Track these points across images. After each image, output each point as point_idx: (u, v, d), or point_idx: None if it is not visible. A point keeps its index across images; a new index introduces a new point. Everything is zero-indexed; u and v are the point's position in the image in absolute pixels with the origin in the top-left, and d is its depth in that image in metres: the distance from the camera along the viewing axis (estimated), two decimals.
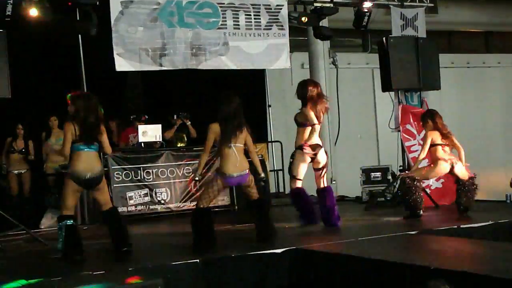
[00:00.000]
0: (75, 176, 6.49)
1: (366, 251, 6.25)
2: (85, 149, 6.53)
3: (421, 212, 8.38)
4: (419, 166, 8.69)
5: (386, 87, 10.48)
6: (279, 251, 6.40)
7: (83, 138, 6.52)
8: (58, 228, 6.53)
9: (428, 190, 9.59)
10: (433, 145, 8.49)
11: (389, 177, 10.93)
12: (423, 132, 9.82)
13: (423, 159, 8.64)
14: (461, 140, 13.30)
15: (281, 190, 12.58)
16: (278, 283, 6.31)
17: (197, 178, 7.05)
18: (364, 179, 11.07)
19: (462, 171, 8.54)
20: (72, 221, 6.52)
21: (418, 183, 8.42)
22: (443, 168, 8.48)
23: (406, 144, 10.21)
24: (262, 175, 7.21)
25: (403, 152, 10.41)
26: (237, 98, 6.94)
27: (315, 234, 7.75)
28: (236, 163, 6.81)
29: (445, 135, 8.54)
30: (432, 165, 8.63)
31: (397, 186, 9.84)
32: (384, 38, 10.47)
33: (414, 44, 10.43)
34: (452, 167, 8.47)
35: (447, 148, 8.58)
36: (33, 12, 8.65)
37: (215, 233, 6.85)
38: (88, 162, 6.53)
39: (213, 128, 6.83)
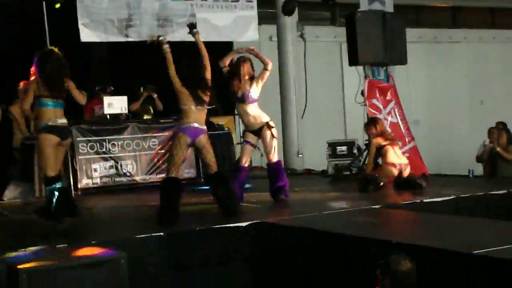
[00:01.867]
0: (48, 125, 6.42)
1: (329, 225, 6.29)
2: (51, 106, 6.46)
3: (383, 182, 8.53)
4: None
5: (353, 61, 10.49)
6: (243, 224, 6.41)
7: (51, 94, 6.45)
8: (48, 192, 6.43)
9: None
10: (380, 148, 8.64)
11: (355, 151, 10.99)
12: (389, 106, 9.96)
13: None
14: (427, 114, 13.52)
15: (255, 164, 12.60)
16: (242, 256, 6.33)
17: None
18: (330, 153, 11.12)
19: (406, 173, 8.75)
20: (61, 182, 6.45)
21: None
22: (390, 172, 8.63)
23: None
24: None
25: None
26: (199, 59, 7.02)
27: (280, 208, 7.78)
28: (194, 118, 6.86)
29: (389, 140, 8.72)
30: (380, 168, 8.79)
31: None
32: (351, 12, 10.46)
33: (382, 19, 10.44)
34: (401, 173, 8.63)
35: (397, 150, 8.76)
36: None
37: (179, 206, 6.82)
38: (56, 115, 6.50)
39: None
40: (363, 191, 8.44)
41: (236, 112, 12.27)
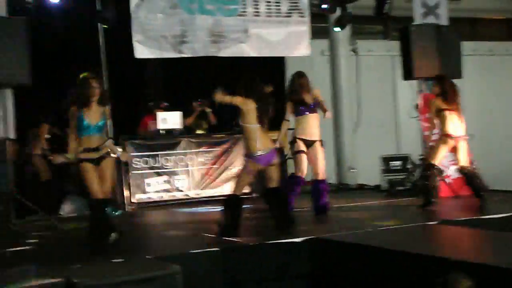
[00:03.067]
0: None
1: (385, 241, 6.20)
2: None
3: (433, 200, 8.22)
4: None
5: (407, 76, 10.37)
6: (298, 240, 6.37)
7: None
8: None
9: (448, 180, 9.51)
10: (439, 110, 8.20)
11: (409, 166, 10.85)
12: None
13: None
14: (481, 129, 13.22)
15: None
16: (298, 272, 6.29)
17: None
18: (384, 168, 11.00)
19: (462, 155, 8.30)
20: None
21: (434, 170, 8.28)
22: (447, 144, 8.22)
23: (425, 133, 10.10)
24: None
25: (423, 141, 10.32)
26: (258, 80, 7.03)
27: (334, 222, 7.72)
28: (262, 141, 6.79)
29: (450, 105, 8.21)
30: (437, 142, 8.33)
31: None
32: (405, 26, 10.36)
33: (436, 32, 10.30)
34: (456, 146, 8.20)
35: (457, 118, 8.24)
36: None
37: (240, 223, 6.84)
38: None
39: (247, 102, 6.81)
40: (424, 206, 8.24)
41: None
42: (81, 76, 6.59)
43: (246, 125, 6.82)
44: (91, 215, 6.48)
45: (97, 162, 6.44)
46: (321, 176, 8.00)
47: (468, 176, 8.30)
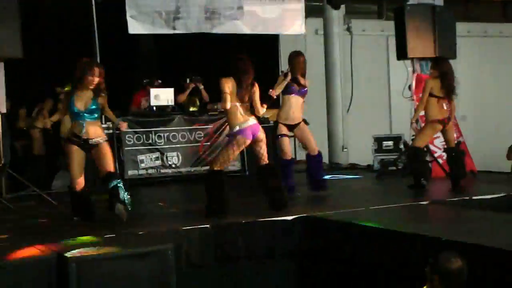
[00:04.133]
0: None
1: (376, 220, 6.23)
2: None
3: (425, 182, 8.20)
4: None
5: (401, 55, 10.35)
6: (289, 218, 6.40)
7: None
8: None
9: (440, 160, 9.54)
10: (431, 95, 8.13)
11: (401, 146, 10.87)
12: None
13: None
14: (475, 110, 13.26)
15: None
16: (288, 250, 6.32)
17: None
18: (376, 148, 11.02)
19: (451, 134, 8.32)
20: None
21: (422, 151, 8.30)
22: (435, 129, 8.22)
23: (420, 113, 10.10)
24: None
25: (416, 121, 10.32)
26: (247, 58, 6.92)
27: (326, 202, 7.74)
28: (243, 116, 6.77)
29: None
30: (423, 126, 8.39)
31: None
32: (400, 6, 10.32)
33: (431, 12, 10.26)
34: (444, 127, 8.17)
35: (444, 103, 8.18)
36: None
37: (227, 198, 6.82)
38: None
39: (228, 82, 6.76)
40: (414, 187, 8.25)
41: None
42: (84, 60, 6.56)
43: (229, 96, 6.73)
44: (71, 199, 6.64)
45: (87, 149, 6.49)
46: (315, 151, 8.02)
47: (453, 158, 8.31)
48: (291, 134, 8.09)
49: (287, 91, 7.91)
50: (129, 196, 6.35)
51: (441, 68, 8.20)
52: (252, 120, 6.80)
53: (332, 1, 10.75)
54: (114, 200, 6.29)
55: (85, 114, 6.46)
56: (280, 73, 12.73)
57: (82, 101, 6.46)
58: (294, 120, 7.95)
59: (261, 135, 6.87)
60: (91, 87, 6.46)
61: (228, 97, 6.68)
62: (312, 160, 8.09)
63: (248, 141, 6.79)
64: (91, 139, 6.46)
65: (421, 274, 4.27)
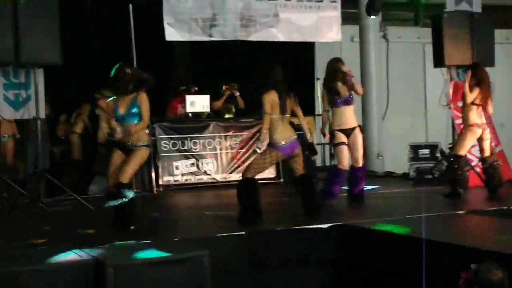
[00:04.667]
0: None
1: (412, 229, 6.17)
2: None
3: (462, 191, 8.13)
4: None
5: (438, 63, 10.26)
6: (325, 226, 6.38)
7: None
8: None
9: (477, 169, 9.42)
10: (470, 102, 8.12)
11: (438, 154, 10.76)
12: None
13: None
14: None
15: (327, 163, 12.50)
16: (323, 258, 6.29)
17: (259, 148, 6.96)
18: (412, 156, 10.91)
19: (487, 143, 8.28)
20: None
21: (461, 160, 8.23)
22: (475, 134, 8.17)
23: (457, 121, 9.99)
24: (310, 139, 7.38)
25: (453, 129, 10.22)
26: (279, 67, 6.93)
27: (362, 210, 7.69)
28: (283, 131, 6.81)
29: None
30: (462, 133, 8.34)
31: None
32: (438, 13, 10.25)
33: (469, 19, 10.17)
34: (482, 134, 8.16)
35: (480, 109, 8.19)
36: None
37: (261, 205, 6.83)
38: None
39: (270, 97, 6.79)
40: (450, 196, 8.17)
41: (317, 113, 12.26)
42: (114, 67, 6.63)
43: (269, 116, 6.80)
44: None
45: (126, 152, 6.51)
46: (360, 163, 7.90)
47: (488, 168, 8.25)
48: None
49: (332, 104, 7.81)
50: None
51: (478, 75, 8.16)
52: (293, 136, 6.84)
53: (370, 9, 10.70)
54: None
55: (126, 117, 6.52)
56: (316, 80, 12.84)
57: (122, 105, 6.53)
58: (348, 124, 7.80)
59: (298, 151, 6.92)
60: (130, 86, 6.51)
61: (268, 118, 6.77)
62: (354, 171, 7.92)
63: (285, 157, 6.85)
64: (128, 142, 6.51)
65: (457, 284, 4.21)
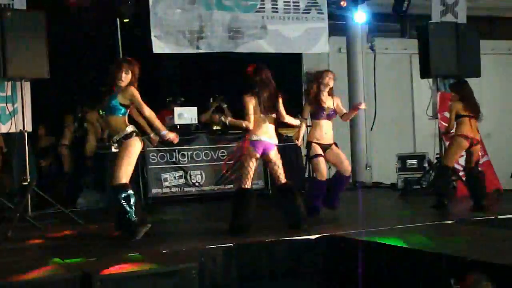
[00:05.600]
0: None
1: (400, 239, 6.19)
2: None
3: (446, 202, 8.16)
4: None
5: (425, 74, 10.34)
6: (313, 237, 6.38)
7: None
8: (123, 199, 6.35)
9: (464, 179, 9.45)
10: (458, 116, 8.19)
11: (425, 164, 10.82)
12: None
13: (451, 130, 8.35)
14: (499, 128, 13.14)
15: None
16: (312, 269, 6.29)
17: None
18: (400, 166, 10.97)
19: (475, 156, 8.32)
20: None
21: (449, 171, 8.28)
22: (461, 145, 8.20)
23: (443, 131, 10.05)
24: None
25: (440, 140, 10.27)
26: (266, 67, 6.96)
27: (350, 220, 7.71)
28: (262, 130, 6.82)
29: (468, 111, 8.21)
30: (449, 144, 8.39)
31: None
32: (424, 24, 10.33)
33: (455, 30, 10.25)
34: (471, 146, 8.20)
35: (473, 122, 8.25)
36: None
37: (253, 217, 6.82)
38: None
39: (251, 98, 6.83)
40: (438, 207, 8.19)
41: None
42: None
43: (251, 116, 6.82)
44: None
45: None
46: (349, 172, 7.93)
47: (472, 179, 8.30)
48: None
49: (315, 116, 7.82)
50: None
51: (460, 92, 8.25)
52: (270, 139, 6.84)
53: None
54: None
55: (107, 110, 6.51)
56: (304, 91, 12.84)
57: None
58: (327, 140, 7.82)
59: (273, 156, 6.89)
60: (121, 80, 6.50)
61: (252, 118, 6.77)
62: (341, 179, 7.91)
63: (257, 155, 6.80)
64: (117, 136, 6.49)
65: None
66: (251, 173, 6.86)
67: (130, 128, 6.48)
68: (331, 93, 7.83)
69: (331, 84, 7.78)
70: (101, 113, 6.59)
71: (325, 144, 7.80)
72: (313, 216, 7.51)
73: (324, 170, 7.76)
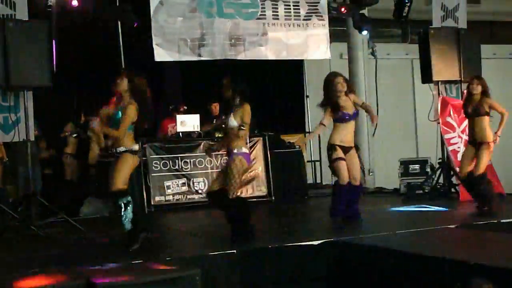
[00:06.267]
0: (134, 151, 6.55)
1: (404, 244, 6.20)
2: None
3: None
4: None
5: (426, 79, 10.36)
6: (316, 243, 6.38)
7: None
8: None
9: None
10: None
11: (428, 169, 10.82)
12: (464, 124, 9.69)
13: None
14: (502, 133, 13.08)
15: (318, 181, 12.55)
16: (315, 275, 6.30)
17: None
18: (402, 171, 10.98)
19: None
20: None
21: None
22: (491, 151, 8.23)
23: (446, 136, 10.07)
24: None
25: (442, 144, 10.28)
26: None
27: (353, 226, 7.70)
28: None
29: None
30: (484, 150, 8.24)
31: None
32: (424, 29, 10.35)
33: (455, 35, 10.28)
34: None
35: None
36: (74, 2, 8.78)
37: (252, 224, 6.82)
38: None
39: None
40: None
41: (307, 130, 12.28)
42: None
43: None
44: None
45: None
46: (358, 181, 7.79)
47: (473, 183, 8.25)
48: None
49: (337, 119, 7.65)
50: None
51: (484, 83, 8.34)
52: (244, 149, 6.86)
53: (358, 24, 10.80)
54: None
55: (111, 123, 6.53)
56: (306, 97, 12.89)
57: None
58: (349, 142, 7.69)
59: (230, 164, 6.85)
60: (117, 93, 6.57)
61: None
62: (350, 188, 7.72)
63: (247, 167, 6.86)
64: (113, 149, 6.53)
65: None
66: (240, 184, 6.92)
67: (136, 147, 6.56)
68: (347, 94, 7.74)
69: (345, 88, 7.69)
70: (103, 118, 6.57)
71: (347, 147, 7.68)
72: (333, 218, 7.49)
73: (345, 174, 7.59)
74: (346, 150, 7.67)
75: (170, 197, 9.90)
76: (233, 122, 6.77)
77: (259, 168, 10.30)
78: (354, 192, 7.78)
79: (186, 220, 9.01)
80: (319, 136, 12.34)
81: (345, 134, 7.67)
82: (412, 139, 15.40)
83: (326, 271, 6.32)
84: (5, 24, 7.93)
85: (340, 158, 7.59)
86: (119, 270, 5.38)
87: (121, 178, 6.40)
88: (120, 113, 6.48)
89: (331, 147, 7.64)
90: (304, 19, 10.09)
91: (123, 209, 6.31)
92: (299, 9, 10.05)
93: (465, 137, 9.75)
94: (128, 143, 6.47)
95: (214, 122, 10.45)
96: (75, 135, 11.04)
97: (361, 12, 10.90)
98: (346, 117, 7.62)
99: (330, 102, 7.61)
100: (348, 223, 7.63)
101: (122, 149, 6.44)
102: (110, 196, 6.40)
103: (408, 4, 10.53)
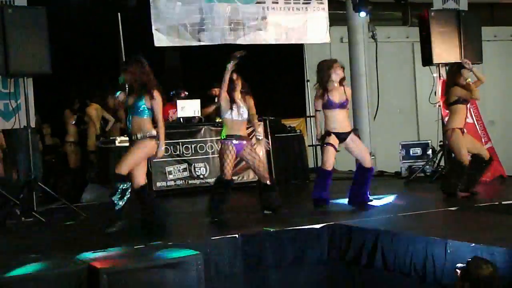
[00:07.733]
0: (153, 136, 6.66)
1: (405, 227, 6.22)
2: None
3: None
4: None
5: (426, 61, 10.33)
6: (317, 226, 6.40)
7: None
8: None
9: None
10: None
11: (429, 152, 10.83)
12: None
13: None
14: (503, 114, 13.09)
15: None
16: (317, 258, 6.32)
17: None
18: (404, 154, 10.98)
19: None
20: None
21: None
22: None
23: (447, 119, 10.04)
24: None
25: (443, 127, 10.26)
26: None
27: (354, 209, 7.71)
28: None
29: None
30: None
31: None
32: (424, 11, 10.31)
33: (456, 17, 10.24)
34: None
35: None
36: None
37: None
38: None
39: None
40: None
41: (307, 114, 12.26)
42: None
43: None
44: None
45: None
46: (368, 163, 7.73)
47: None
48: (339, 148, 7.77)
49: (326, 106, 7.60)
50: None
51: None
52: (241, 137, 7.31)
53: (358, 6, 10.75)
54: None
55: (131, 111, 6.65)
56: (306, 82, 12.86)
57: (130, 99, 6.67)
58: (344, 128, 7.64)
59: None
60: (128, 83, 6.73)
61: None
62: (362, 171, 7.74)
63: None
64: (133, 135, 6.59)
65: (451, 280, 4.26)
66: (231, 165, 7.25)
67: (154, 132, 6.62)
68: (342, 83, 7.72)
69: (341, 75, 7.67)
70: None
71: (344, 133, 7.63)
72: (319, 207, 7.50)
73: (330, 160, 7.57)
74: (344, 136, 7.62)
75: (172, 183, 9.91)
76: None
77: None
78: (363, 175, 7.75)
79: (187, 206, 9.03)
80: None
81: (336, 121, 7.60)
82: (413, 122, 15.39)
83: (328, 254, 6.35)
84: (4, 10, 7.90)
85: (331, 144, 7.57)
86: (121, 255, 5.39)
87: (128, 162, 6.48)
88: (143, 101, 6.55)
89: (326, 132, 7.65)
90: (303, 3, 10.06)
91: (118, 194, 6.37)
92: None
93: (466, 119, 9.74)
94: (149, 128, 6.57)
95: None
96: (73, 122, 11.04)
97: None
98: (331, 104, 7.54)
99: (321, 84, 7.62)
100: (357, 207, 7.62)
101: (141, 135, 6.51)
102: (111, 177, 6.45)
103: None
